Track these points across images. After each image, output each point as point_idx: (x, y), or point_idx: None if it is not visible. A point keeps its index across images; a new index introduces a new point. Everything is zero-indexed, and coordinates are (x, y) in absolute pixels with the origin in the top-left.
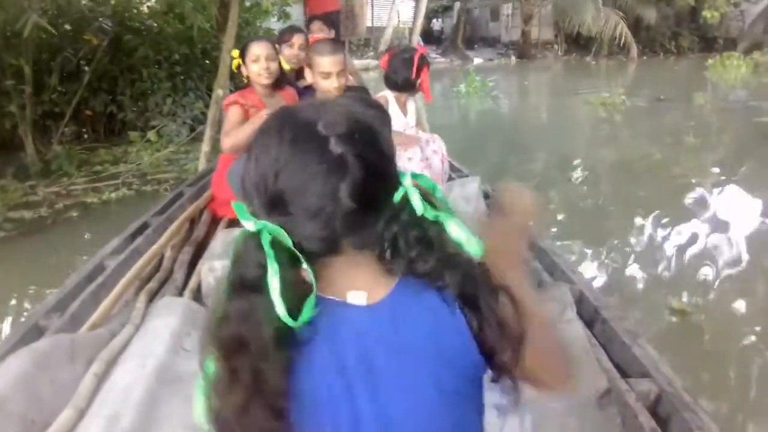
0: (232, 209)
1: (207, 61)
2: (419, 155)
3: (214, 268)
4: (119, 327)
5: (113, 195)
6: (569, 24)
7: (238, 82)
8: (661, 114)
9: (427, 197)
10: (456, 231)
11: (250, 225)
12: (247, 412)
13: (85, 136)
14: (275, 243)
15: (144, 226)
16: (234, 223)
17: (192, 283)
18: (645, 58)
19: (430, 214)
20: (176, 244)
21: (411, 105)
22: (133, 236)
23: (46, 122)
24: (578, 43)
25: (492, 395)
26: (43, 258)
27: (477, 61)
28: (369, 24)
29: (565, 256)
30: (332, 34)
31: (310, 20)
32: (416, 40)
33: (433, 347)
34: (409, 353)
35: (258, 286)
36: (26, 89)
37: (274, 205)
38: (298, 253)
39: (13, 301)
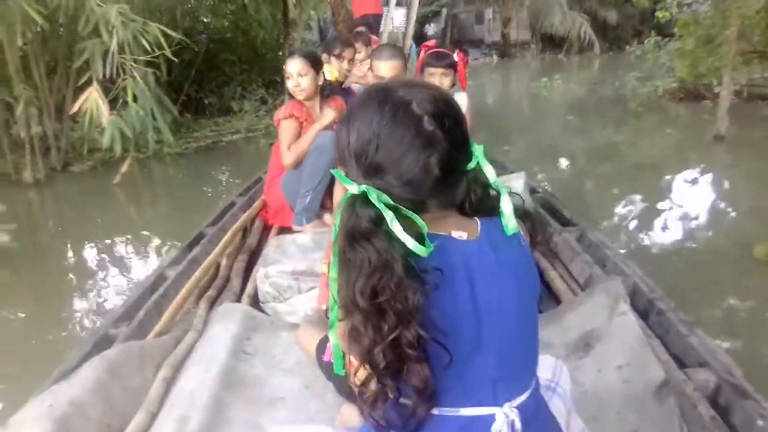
0: (283, 217)
1: (265, 61)
2: None
3: (269, 275)
4: (183, 333)
5: (234, 137)
6: (541, 26)
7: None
8: (586, 93)
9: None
10: (506, 204)
11: (353, 188)
12: (404, 336)
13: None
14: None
15: (200, 236)
16: (284, 230)
17: (248, 290)
18: (611, 53)
19: (495, 184)
20: (231, 253)
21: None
22: (190, 246)
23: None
24: (553, 42)
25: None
26: (211, 163)
27: None
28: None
29: (615, 248)
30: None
31: (353, 24)
32: (408, 43)
33: (522, 268)
34: (505, 275)
35: (375, 234)
36: (161, 79)
37: (373, 171)
38: (400, 206)
39: (206, 187)
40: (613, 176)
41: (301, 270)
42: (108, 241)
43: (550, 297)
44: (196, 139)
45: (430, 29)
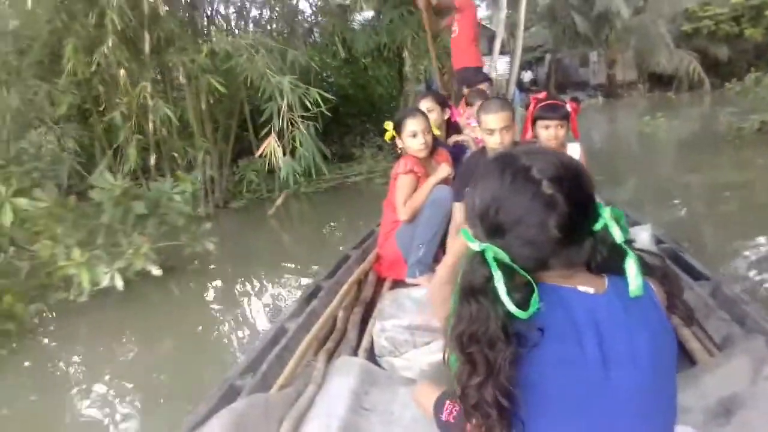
0: (397, 270)
1: (381, 112)
2: None
3: (385, 329)
4: (303, 386)
5: (357, 178)
6: (647, 65)
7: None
8: (689, 129)
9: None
10: (631, 266)
11: (474, 246)
12: (482, 391)
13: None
14: (496, 259)
15: (317, 289)
16: (398, 283)
17: (365, 343)
18: (723, 89)
19: (622, 246)
20: (347, 305)
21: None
22: (308, 299)
23: None
24: (661, 81)
25: None
26: (337, 201)
27: None
28: None
29: (756, 303)
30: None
31: (461, 80)
32: (512, 89)
33: (655, 325)
34: (636, 329)
35: (484, 292)
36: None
37: (495, 232)
38: (515, 267)
39: (333, 220)
40: (729, 216)
41: (416, 324)
42: (265, 265)
43: (684, 357)
44: (324, 180)
45: (527, 75)
